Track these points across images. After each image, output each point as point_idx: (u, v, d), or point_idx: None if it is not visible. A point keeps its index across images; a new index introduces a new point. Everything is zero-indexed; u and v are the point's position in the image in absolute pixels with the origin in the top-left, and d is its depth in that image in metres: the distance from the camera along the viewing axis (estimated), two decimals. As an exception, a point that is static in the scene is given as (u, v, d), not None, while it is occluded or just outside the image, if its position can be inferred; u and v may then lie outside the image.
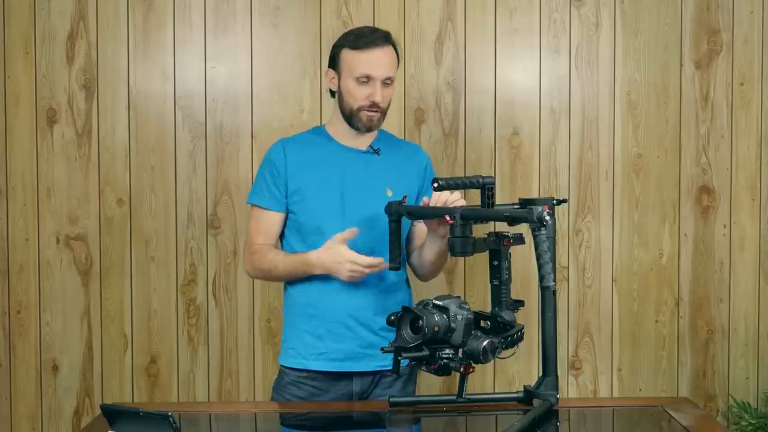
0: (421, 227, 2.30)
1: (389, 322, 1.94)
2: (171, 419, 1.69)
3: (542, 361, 1.99)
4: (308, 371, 2.25)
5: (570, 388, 3.08)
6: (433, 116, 3.02)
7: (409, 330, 1.88)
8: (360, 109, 2.23)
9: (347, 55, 2.24)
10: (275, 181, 2.27)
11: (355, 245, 2.17)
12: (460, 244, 1.95)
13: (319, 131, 2.36)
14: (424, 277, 2.39)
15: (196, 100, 3.00)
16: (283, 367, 2.30)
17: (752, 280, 3.10)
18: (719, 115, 3.07)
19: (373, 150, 2.30)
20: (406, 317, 1.89)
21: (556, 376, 1.99)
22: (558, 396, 1.98)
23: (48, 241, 3.00)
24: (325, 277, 2.20)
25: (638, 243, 3.07)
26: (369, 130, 2.26)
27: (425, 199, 2.13)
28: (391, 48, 2.25)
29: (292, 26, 2.99)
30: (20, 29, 2.97)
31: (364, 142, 2.31)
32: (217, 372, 3.03)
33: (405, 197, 2.15)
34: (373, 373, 2.26)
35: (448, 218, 1.96)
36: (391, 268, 2.16)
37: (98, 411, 2.16)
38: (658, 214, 3.07)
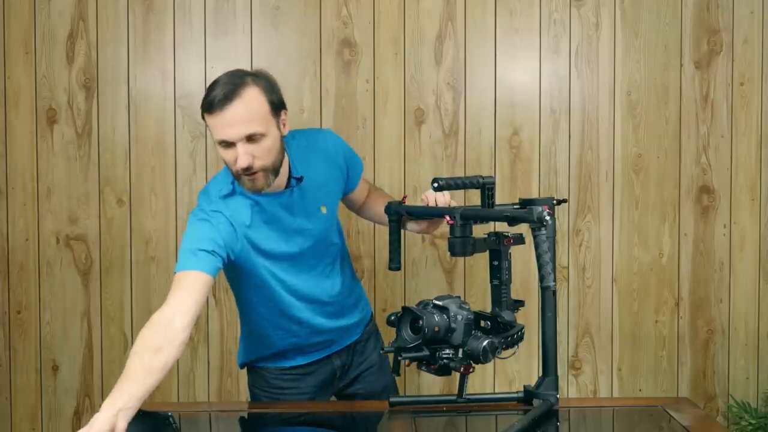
0: (359, 195, 2.36)
1: (389, 323, 1.94)
2: (171, 419, 1.69)
3: (542, 361, 1.99)
4: (290, 366, 2.26)
5: (570, 388, 3.08)
6: (433, 116, 3.02)
7: (409, 330, 1.88)
8: (237, 174, 2.00)
9: (206, 119, 2.00)
10: (222, 246, 2.01)
11: (315, 272, 2.19)
12: (460, 244, 1.95)
13: (237, 186, 2.07)
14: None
15: (196, 100, 2.98)
16: (259, 367, 2.29)
17: (752, 280, 3.10)
18: (719, 115, 3.06)
19: (297, 181, 2.11)
20: (406, 317, 1.89)
21: (556, 376, 1.99)
22: (558, 396, 1.98)
23: (48, 241, 3.00)
24: (269, 307, 2.17)
25: (638, 243, 3.07)
26: (257, 192, 2.03)
27: (425, 195, 2.13)
28: (247, 96, 1.95)
29: (292, 26, 2.99)
30: (20, 29, 2.97)
31: (282, 180, 2.09)
32: (217, 372, 3.03)
33: (405, 197, 2.15)
34: (348, 347, 2.30)
35: (447, 218, 1.96)
36: (391, 269, 2.17)
37: (98, 411, 2.16)
38: (658, 214, 3.07)
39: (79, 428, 1.69)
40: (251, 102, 1.96)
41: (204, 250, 1.95)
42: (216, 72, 2.97)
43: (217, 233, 1.99)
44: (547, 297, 1.97)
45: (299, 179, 2.11)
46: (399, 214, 2.13)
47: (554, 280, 1.84)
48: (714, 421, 2.70)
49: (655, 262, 3.08)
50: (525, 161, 3.04)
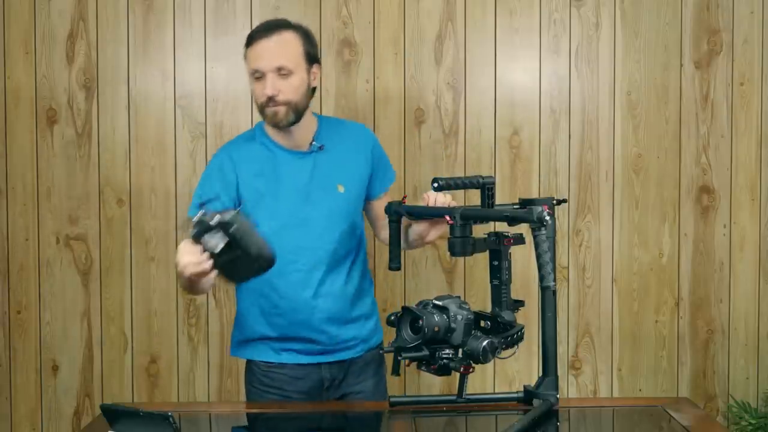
0: (378, 210, 2.34)
1: (389, 323, 1.94)
2: (171, 419, 1.69)
3: (542, 361, 1.99)
4: (278, 363, 2.26)
5: (570, 388, 3.08)
6: (433, 116, 3.02)
7: (409, 330, 1.88)
8: (262, 106, 2.16)
9: (246, 54, 2.19)
10: (227, 191, 2.20)
11: (315, 250, 2.19)
12: (460, 244, 1.95)
13: (260, 134, 2.26)
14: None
15: (196, 100, 3.00)
16: (251, 361, 2.30)
17: (752, 280, 3.10)
18: (719, 115, 3.06)
19: (318, 147, 2.24)
20: (406, 317, 1.89)
21: (556, 376, 1.99)
22: (558, 396, 1.98)
23: (48, 241, 3.00)
24: (277, 291, 2.20)
25: (638, 243, 3.07)
26: (276, 125, 2.18)
27: (426, 195, 2.13)
28: (284, 36, 2.15)
29: (292, 26, 2.99)
30: (20, 29, 2.97)
31: (304, 139, 2.23)
32: (217, 372, 3.03)
33: (405, 197, 2.15)
34: (342, 363, 2.27)
35: (448, 218, 1.96)
36: (391, 269, 2.16)
37: (98, 411, 2.16)
38: (658, 214, 3.07)
39: (79, 428, 1.69)
40: (286, 40, 2.15)
41: (213, 201, 2.09)
42: (216, 72, 3.00)
43: (224, 186, 2.19)
44: (547, 297, 1.97)
45: (320, 147, 2.23)
46: (399, 214, 2.13)
47: (554, 280, 1.85)
48: (714, 421, 2.70)
49: (655, 262, 3.08)
50: (525, 161, 3.04)
